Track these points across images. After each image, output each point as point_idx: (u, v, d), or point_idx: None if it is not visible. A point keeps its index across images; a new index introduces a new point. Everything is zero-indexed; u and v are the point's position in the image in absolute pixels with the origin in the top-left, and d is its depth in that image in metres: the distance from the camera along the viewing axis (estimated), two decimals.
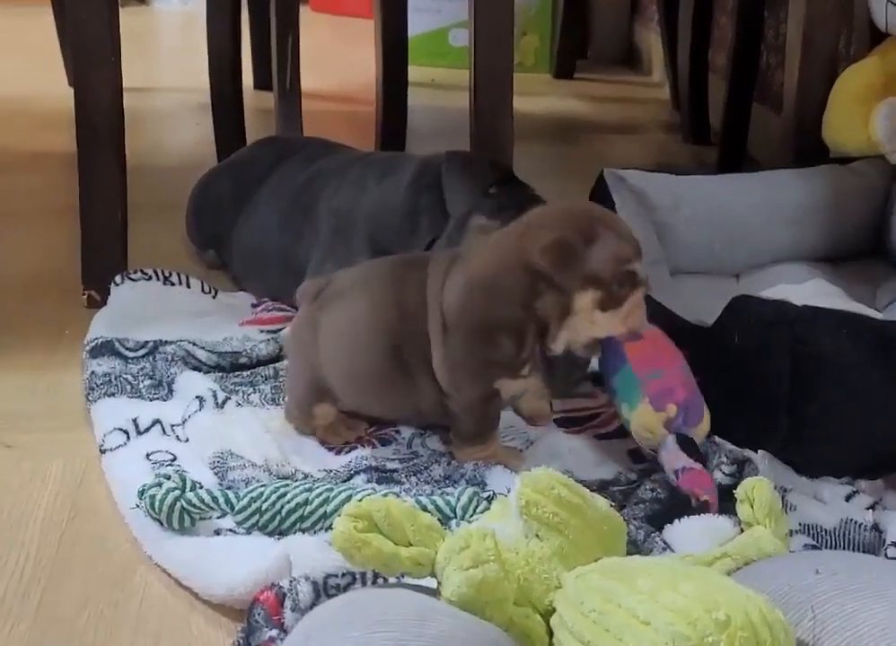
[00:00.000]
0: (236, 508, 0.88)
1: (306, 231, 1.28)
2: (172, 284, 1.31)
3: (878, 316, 1.18)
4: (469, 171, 1.22)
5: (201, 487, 0.90)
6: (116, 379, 1.11)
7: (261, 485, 0.90)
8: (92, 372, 1.12)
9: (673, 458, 0.93)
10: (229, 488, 0.93)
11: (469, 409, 0.99)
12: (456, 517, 0.89)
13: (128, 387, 1.10)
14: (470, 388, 0.97)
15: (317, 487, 0.90)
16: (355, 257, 1.22)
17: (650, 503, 0.93)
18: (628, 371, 0.99)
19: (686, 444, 0.94)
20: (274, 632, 0.77)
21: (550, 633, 0.71)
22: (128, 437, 1.01)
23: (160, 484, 0.89)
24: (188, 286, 1.32)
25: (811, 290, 1.26)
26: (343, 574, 0.80)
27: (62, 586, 0.85)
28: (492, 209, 1.20)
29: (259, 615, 0.78)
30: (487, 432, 1.00)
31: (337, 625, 0.66)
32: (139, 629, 0.81)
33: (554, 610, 0.71)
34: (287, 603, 0.78)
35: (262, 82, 2.24)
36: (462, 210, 1.20)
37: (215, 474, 0.96)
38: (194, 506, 0.88)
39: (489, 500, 0.90)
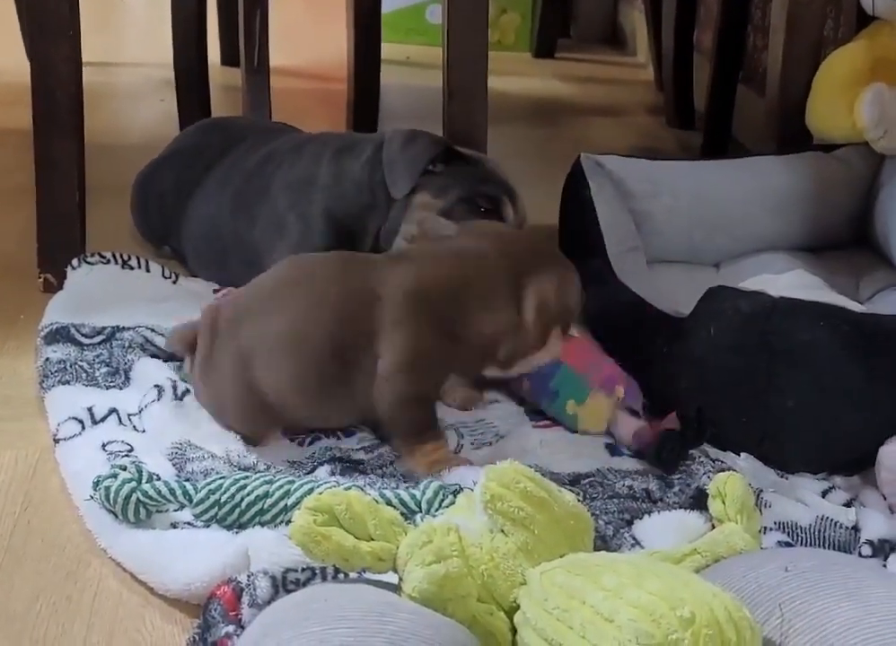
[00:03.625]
0: (194, 500, 0.86)
1: (261, 214, 1.25)
2: (131, 268, 1.27)
3: (860, 308, 1.16)
4: (409, 149, 1.19)
5: (158, 479, 0.88)
6: (71, 366, 1.08)
7: (220, 477, 0.88)
8: (47, 359, 1.09)
9: (628, 425, 1.00)
10: (187, 480, 0.90)
11: (404, 407, 0.96)
12: (421, 511, 0.87)
13: (84, 374, 1.07)
14: (415, 385, 0.96)
15: (278, 479, 0.87)
16: (311, 232, 1.20)
17: (625, 499, 0.91)
18: (567, 371, 1.03)
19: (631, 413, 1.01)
20: (231, 628, 0.75)
21: (514, 631, 0.70)
22: (83, 426, 0.99)
23: (115, 475, 0.86)
24: (148, 271, 1.28)
25: (792, 280, 1.24)
26: (302, 569, 0.78)
27: (13, 579, 0.83)
28: (436, 187, 1.18)
29: (215, 610, 0.77)
30: (425, 430, 0.97)
31: (294, 621, 0.65)
32: (92, 624, 0.79)
33: (518, 607, 0.70)
34: (245, 598, 0.77)
35: (229, 58, 2.19)
36: (403, 189, 1.18)
37: (174, 464, 0.94)
38: (150, 498, 0.86)
39: (455, 494, 0.88)
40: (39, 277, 1.29)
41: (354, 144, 1.25)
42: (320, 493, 0.74)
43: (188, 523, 0.87)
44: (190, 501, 0.86)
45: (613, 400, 1.01)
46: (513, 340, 0.97)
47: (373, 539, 0.72)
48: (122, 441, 0.97)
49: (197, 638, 0.76)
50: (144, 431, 1.00)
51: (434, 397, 1.00)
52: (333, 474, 0.94)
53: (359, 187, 1.21)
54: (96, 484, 0.87)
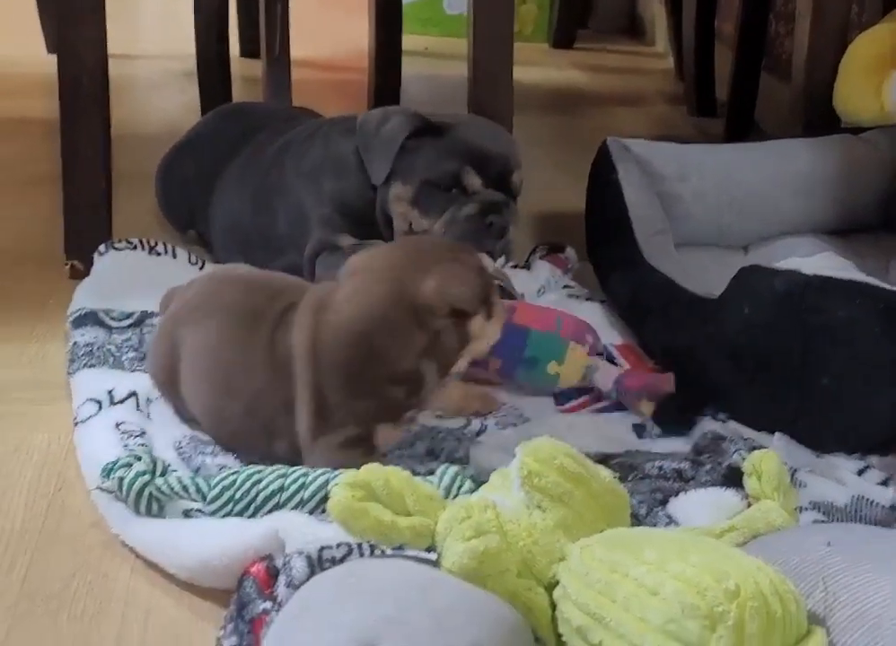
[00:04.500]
0: (208, 497, 0.84)
1: (281, 205, 1.25)
2: (158, 254, 1.27)
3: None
4: (381, 132, 1.17)
5: (172, 471, 0.87)
6: (98, 349, 1.07)
7: (233, 473, 0.85)
8: (75, 343, 1.09)
9: (608, 373, 1.03)
10: (197, 470, 0.89)
11: (328, 458, 0.89)
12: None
13: (111, 358, 1.06)
14: (334, 434, 0.88)
15: (292, 472, 0.85)
16: (328, 217, 1.19)
17: (656, 479, 0.91)
18: (537, 335, 1.04)
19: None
20: (267, 605, 0.75)
21: (553, 606, 0.69)
22: (100, 407, 0.98)
23: (129, 465, 0.85)
24: (175, 257, 1.28)
25: (820, 263, 1.23)
26: (338, 545, 0.77)
27: (49, 558, 0.83)
28: (404, 172, 1.15)
29: (249, 587, 0.76)
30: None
31: (336, 596, 0.65)
32: (129, 601, 0.79)
33: (557, 582, 0.69)
34: (282, 579, 0.76)
35: (249, 50, 2.21)
36: (379, 177, 1.16)
37: (179, 456, 0.92)
38: (163, 494, 0.84)
39: (473, 479, 0.87)
40: (67, 264, 1.29)
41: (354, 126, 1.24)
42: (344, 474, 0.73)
43: (199, 510, 0.85)
44: (204, 498, 0.84)
45: (586, 350, 1.04)
46: (434, 353, 0.89)
47: (411, 515, 0.71)
48: (136, 423, 0.95)
49: (233, 614, 0.75)
50: (151, 418, 0.98)
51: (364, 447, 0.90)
52: None
53: (360, 169, 1.19)
54: (109, 471, 0.86)
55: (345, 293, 0.90)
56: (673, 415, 1.01)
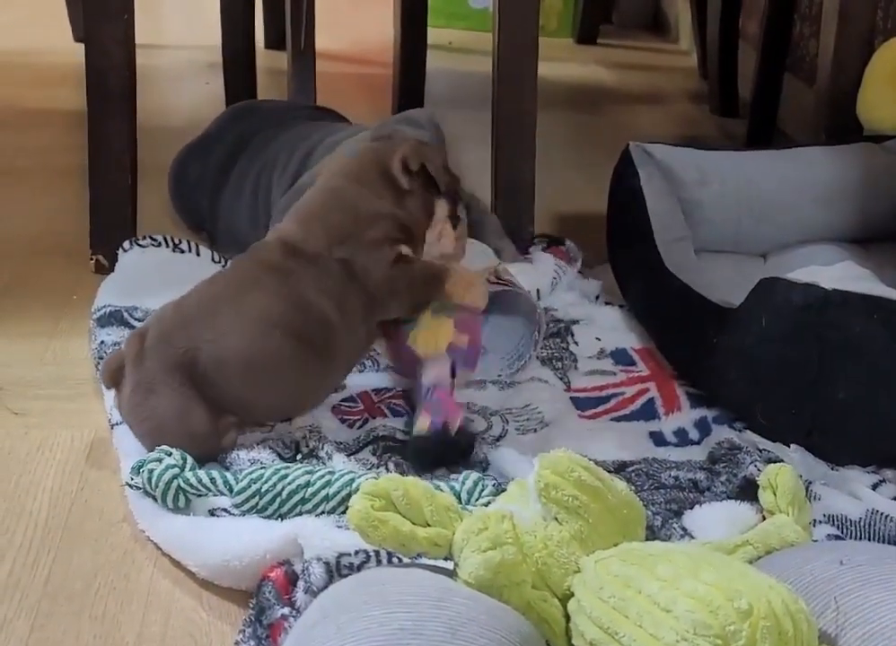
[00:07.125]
0: (235, 489, 0.86)
1: (265, 212, 1.26)
2: (182, 252, 1.28)
3: None
4: None
5: (202, 467, 0.88)
6: None
7: (261, 468, 0.88)
8: (102, 342, 1.10)
9: (439, 373, 0.97)
10: (227, 468, 0.91)
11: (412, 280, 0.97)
12: (461, 502, 0.87)
13: None
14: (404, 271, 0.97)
15: (318, 470, 0.88)
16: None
17: (672, 490, 0.91)
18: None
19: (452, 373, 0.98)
20: (286, 611, 0.76)
21: (567, 618, 0.70)
22: None
23: (160, 460, 0.87)
24: (198, 255, 1.28)
25: (840, 272, 1.23)
26: (356, 552, 0.79)
27: (71, 558, 0.84)
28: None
29: (268, 592, 0.77)
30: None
31: (354, 604, 0.66)
32: (150, 602, 0.81)
33: (572, 594, 0.70)
34: (300, 585, 0.77)
35: (273, 42, 2.20)
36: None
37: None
38: (191, 486, 0.86)
39: (495, 484, 0.88)
40: (91, 258, 1.30)
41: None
42: (364, 482, 0.74)
43: (225, 510, 0.87)
44: (231, 490, 0.86)
45: (451, 337, 0.99)
46: (404, 215, 0.98)
47: (429, 525, 0.72)
48: None
49: (252, 619, 0.77)
50: None
51: None
52: (374, 453, 0.96)
53: None
54: (139, 467, 0.87)
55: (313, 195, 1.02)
56: (420, 456, 0.94)
